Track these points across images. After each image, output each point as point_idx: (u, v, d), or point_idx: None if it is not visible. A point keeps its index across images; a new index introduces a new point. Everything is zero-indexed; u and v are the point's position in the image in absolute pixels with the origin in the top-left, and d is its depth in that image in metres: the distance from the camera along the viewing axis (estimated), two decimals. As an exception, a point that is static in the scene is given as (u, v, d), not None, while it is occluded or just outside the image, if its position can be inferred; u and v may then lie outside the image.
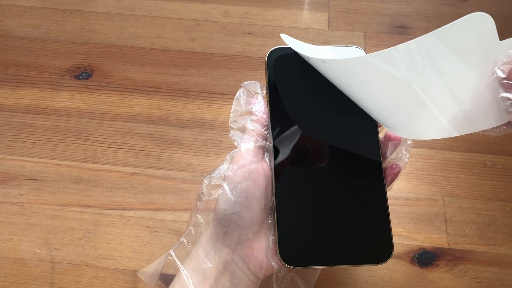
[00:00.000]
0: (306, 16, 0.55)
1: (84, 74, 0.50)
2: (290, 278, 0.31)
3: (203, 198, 0.30)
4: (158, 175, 0.44)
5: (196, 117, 0.47)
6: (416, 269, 0.39)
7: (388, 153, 0.30)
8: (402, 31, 0.54)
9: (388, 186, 0.30)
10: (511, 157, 0.45)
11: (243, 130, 0.30)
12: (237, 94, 0.31)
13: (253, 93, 0.31)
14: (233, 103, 0.31)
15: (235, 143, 0.30)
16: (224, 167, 0.29)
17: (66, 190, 0.43)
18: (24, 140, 0.46)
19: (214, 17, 0.54)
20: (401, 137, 0.30)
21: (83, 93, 0.49)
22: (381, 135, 0.31)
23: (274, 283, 0.30)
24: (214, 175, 0.30)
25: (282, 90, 0.31)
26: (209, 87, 0.49)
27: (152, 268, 0.31)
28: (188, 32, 0.53)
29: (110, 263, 0.39)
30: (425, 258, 0.40)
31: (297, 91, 0.31)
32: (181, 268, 0.29)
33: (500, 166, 0.44)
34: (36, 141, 0.46)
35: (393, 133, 0.30)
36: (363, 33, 0.54)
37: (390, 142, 0.30)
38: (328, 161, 0.30)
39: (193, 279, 0.28)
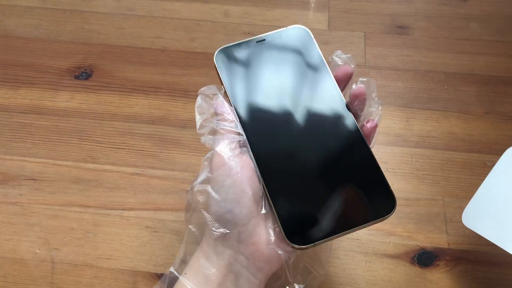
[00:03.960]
0: (306, 16, 0.55)
1: (84, 74, 0.50)
2: (303, 266, 0.31)
3: (191, 207, 0.30)
4: (158, 175, 0.44)
5: (196, 117, 0.47)
6: (416, 269, 0.39)
7: (358, 111, 0.31)
8: (402, 31, 0.54)
9: (370, 143, 0.30)
10: (511, 157, 0.45)
11: (213, 133, 0.30)
12: (197, 102, 0.31)
13: (212, 96, 0.31)
14: (195, 112, 0.31)
15: (209, 146, 0.30)
16: (205, 172, 0.29)
17: (66, 190, 0.43)
18: (24, 140, 0.46)
19: (214, 17, 0.54)
20: (365, 91, 0.30)
21: (83, 93, 0.49)
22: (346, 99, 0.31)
23: (287, 272, 0.29)
24: (196, 182, 0.29)
25: (239, 82, 0.32)
26: (209, 87, 0.49)
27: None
28: (188, 32, 0.53)
29: (110, 263, 0.39)
30: (425, 258, 0.40)
31: (253, 78, 0.32)
32: (183, 280, 0.29)
33: (500, 166, 0.44)
34: (36, 141, 0.46)
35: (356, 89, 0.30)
36: (363, 33, 0.54)
37: (357, 100, 0.30)
38: (305, 134, 0.30)
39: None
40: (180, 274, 0.29)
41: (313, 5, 0.56)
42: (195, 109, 0.31)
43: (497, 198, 0.35)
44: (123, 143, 0.45)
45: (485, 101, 0.49)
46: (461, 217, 0.36)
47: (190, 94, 0.49)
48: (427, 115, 0.48)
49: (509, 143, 0.42)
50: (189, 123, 0.47)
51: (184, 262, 0.31)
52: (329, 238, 0.27)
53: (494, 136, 0.46)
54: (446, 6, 0.56)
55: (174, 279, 0.30)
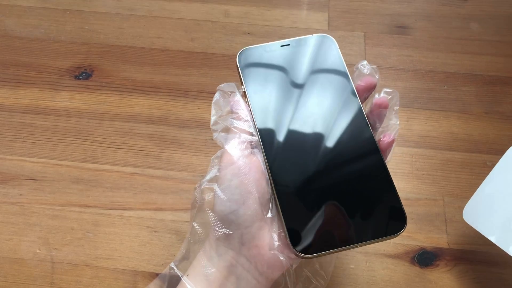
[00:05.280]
0: (306, 16, 0.55)
1: (84, 74, 0.50)
2: (305, 274, 0.30)
3: (196, 204, 0.30)
4: (158, 175, 0.44)
5: (196, 117, 0.47)
6: (416, 269, 0.39)
7: (377, 123, 0.30)
8: (402, 31, 0.54)
9: (386, 158, 0.30)
10: (511, 157, 0.45)
11: (226, 130, 0.30)
12: (214, 98, 0.31)
13: (230, 93, 0.31)
14: (212, 107, 0.30)
15: (220, 144, 0.30)
16: (214, 170, 0.29)
17: (66, 190, 0.43)
18: (24, 140, 0.46)
19: (214, 17, 0.54)
20: (388, 103, 0.30)
21: (83, 93, 0.49)
22: (367, 108, 0.31)
23: (288, 279, 0.29)
24: (204, 180, 0.29)
25: (259, 84, 0.31)
26: (209, 87, 0.49)
27: (155, 283, 0.31)
28: (188, 32, 0.53)
29: (110, 263, 0.39)
30: (425, 258, 0.40)
31: (273, 82, 0.32)
32: (185, 280, 0.29)
33: (500, 166, 0.44)
34: (36, 141, 0.46)
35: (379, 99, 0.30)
36: (363, 33, 0.54)
37: (376, 112, 0.30)
38: (319, 142, 0.30)
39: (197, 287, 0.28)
40: (180, 270, 0.29)
41: (305, 6, 0.55)
42: (212, 104, 0.30)
43: (498, 196, 0.35)
44: (123, 143, 0.45)
45: (485, 101, 0.49)
46: (461, 217, 0.36)
47: (190, 94, 0.49)
48: (427, 115, 0.48)
49: (509, 143, 0.42)
50: (189, 123, 0.47)
51: (185, 259, 0.30)
52: (334, 250, 0.27)
53: (494, 136, 0.46)
54: (446, 6, 0.56)
55: (174, 277, 0.30)
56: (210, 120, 0.29)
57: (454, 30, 0.54)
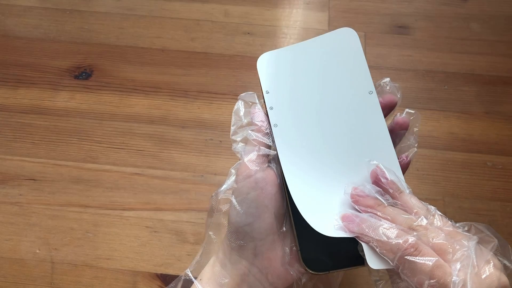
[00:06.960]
0: (306, 16, 0.55)
1: (84, 74, 0.50)
2: (312, 285, 0.31)
3: (214, 214, 0.30)
4: (158, 175, 0.44)
5: (196, 117, 0.47)
6: (416, 269, 0.39)
7: (396, 141, 0.30)
8: (403, 31, 0.54)
9: None
10: (511, 157, 0.45)
11: (245, 141, 0.30)
12: (235, 107, 0.31)
13: (251, 103, 0.31)
14: (232, 116, 0.31)
15: (238, 155, 0.30)
16: (231, 181, 0.29)
17: (66, 190, 0.43)
18: (24, 140, 0.46)
19: (214, 17, 0.54)
20: (409, 123, 0.29)
21: (83, 93, 0.49)
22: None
23: None
24: (221, 189, 0.30)
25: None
26: (209, 87, 0.49)
27: None
28: (188, 32, 0.53)
29: (110, 263, 0.39)
30: (425, 258, 0.39)
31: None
32: (197, 284, 0.29)
33: (500, 166, 0.44)
34: (36, 141, 0.45)
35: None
36: (363, 33, 0.54)
37: (396, 131, 0.30)
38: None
39: None
40: (194, 277, 0.30)
41: (306, 6, 0.55)
42: (232, 113, 0.31)
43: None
44: (123, 143, 0.45)
45: (485, 101, 0.49)
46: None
47: (190, 94, 0.49)
48: (427, 115, 0.48)
49: (509, 143, 0.42)
50: (189, 123, 0.47)
51: (199, 266, 0.31)
52: (343, 269, 0.27)
53: (494, 136, 0.46)
54: (446, 6, 0.56)
55: (186, 282, 0.30)
56: (206, 119, 0.29)
57: (454, 30, 0.54)
